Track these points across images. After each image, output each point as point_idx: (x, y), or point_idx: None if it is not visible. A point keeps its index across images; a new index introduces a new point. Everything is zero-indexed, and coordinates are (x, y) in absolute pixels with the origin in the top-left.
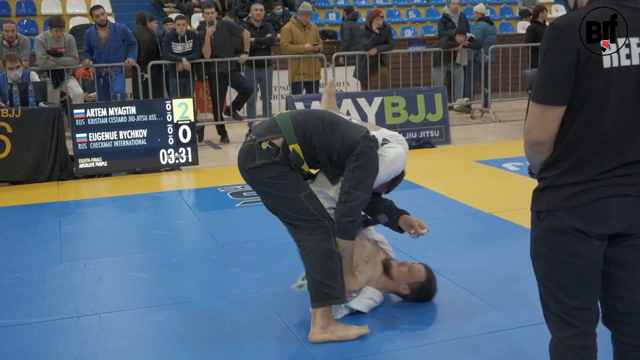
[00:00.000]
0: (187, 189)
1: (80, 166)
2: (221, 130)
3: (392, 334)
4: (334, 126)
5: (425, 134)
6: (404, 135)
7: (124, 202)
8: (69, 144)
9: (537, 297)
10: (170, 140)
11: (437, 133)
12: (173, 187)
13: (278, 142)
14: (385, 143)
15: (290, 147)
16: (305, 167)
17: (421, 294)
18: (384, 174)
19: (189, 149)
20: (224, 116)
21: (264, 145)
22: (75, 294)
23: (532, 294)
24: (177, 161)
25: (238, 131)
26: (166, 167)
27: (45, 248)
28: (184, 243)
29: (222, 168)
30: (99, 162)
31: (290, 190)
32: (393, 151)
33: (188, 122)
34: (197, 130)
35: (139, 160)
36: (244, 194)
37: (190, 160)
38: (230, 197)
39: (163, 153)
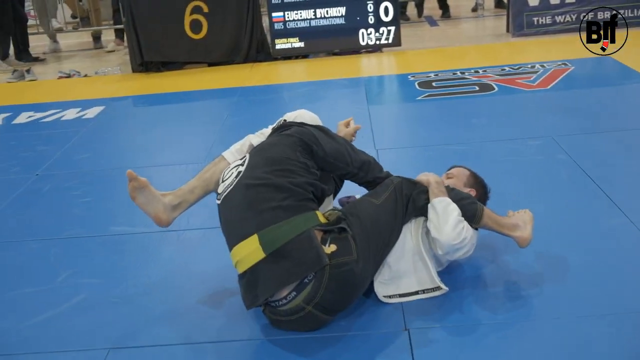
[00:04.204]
0: (376, 76)
1: (277, 47)
2: (443, 4)
3: None
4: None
5: None
6: None
7: (311, 87)
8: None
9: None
10: (371, 19)
11: None
12: (363, 73)
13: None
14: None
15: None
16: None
17: (480, 182)
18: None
19: (390, 28)
20: None
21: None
22: None
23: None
24: (377, 42)
25: None
26: (367, 48)
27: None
28: None
29: (425, 50)
30: (296, 43)
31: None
32: (293, 113)
33: None
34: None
35: (337, 40)
36: (433, 83)
37: (390, 41)
38: (417, 87)
39: (362, 33)
